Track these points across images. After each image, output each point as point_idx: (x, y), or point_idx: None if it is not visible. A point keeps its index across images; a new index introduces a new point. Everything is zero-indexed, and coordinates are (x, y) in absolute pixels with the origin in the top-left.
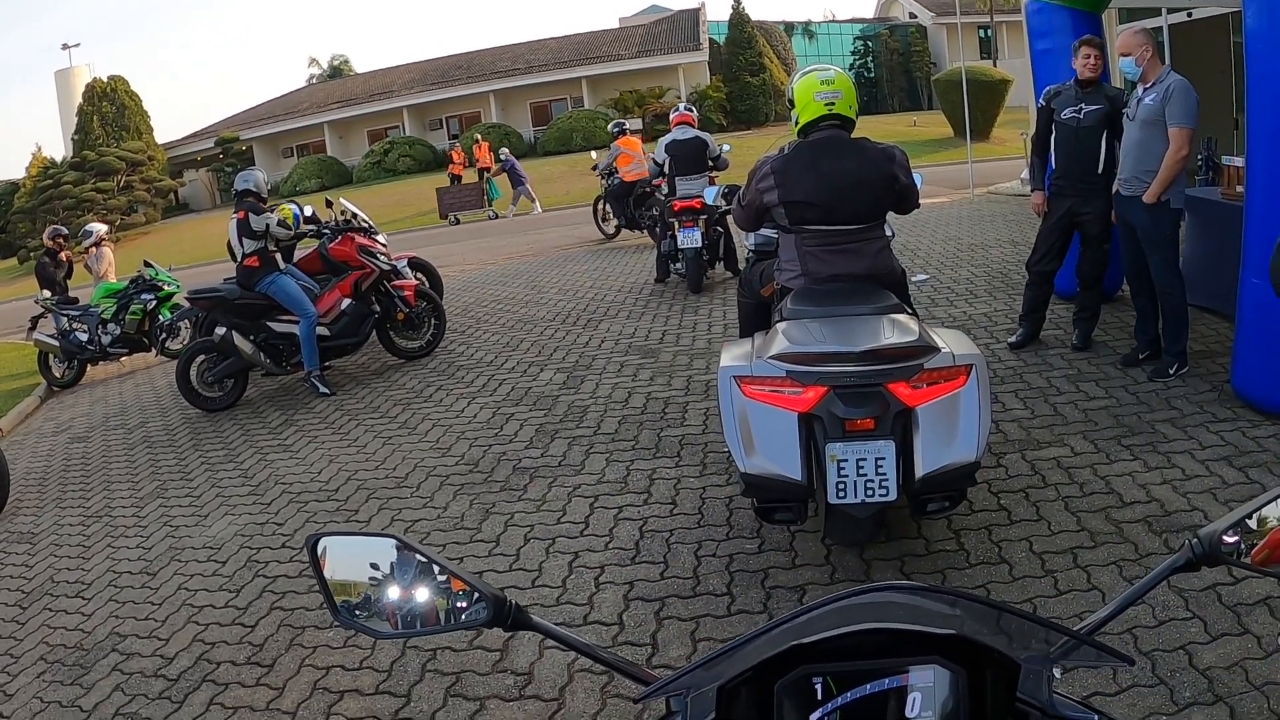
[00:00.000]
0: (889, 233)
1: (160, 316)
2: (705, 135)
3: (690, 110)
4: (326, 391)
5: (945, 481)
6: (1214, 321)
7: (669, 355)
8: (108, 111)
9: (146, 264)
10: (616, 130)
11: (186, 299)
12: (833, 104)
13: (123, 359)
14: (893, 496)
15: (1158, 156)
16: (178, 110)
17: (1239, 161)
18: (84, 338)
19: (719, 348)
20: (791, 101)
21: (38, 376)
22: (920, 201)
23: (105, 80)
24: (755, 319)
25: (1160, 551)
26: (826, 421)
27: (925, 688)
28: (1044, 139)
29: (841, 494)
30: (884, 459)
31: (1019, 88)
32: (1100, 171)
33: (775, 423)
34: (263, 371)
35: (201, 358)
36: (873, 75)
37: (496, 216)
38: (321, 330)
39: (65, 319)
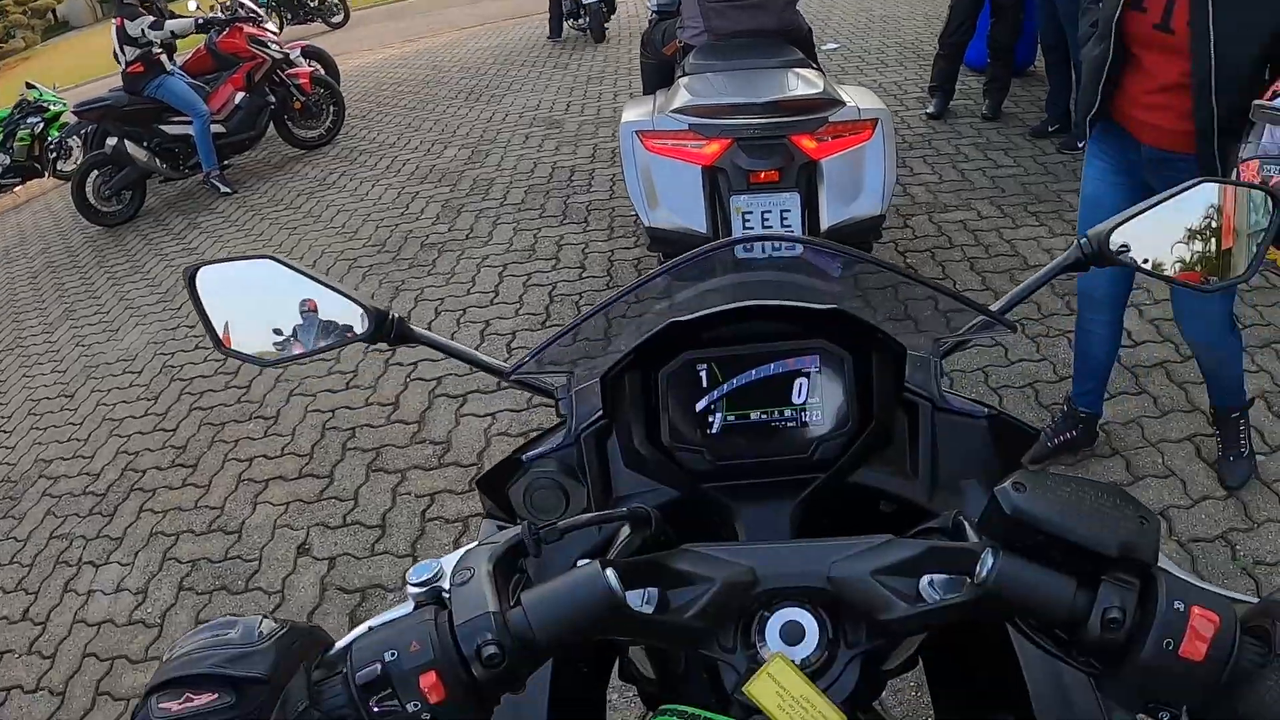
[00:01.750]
0: None
1: (49, 138)
2: None
3: None
4: (228, 190)
5: (850, 235)
6: None
7: (574, 125)
8: None
9: (29, 85)
10: None
11: (73, 113)
12: None
13: (17, 190)
14: (796, 249)
15: None
16: None
17: None
18: None
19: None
20: None
21: None
22: None
23: None
24: (658, 79)
25: (1063, 312)
26: (730, 174)
27: (811, 373)
28: None
29: (749, 248)
30: (789, 211)
31: None
32: None
33: (679, 176)
34: (160, 178)
35: (96, 172)
36: None
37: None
38: (217, 127)
39: None
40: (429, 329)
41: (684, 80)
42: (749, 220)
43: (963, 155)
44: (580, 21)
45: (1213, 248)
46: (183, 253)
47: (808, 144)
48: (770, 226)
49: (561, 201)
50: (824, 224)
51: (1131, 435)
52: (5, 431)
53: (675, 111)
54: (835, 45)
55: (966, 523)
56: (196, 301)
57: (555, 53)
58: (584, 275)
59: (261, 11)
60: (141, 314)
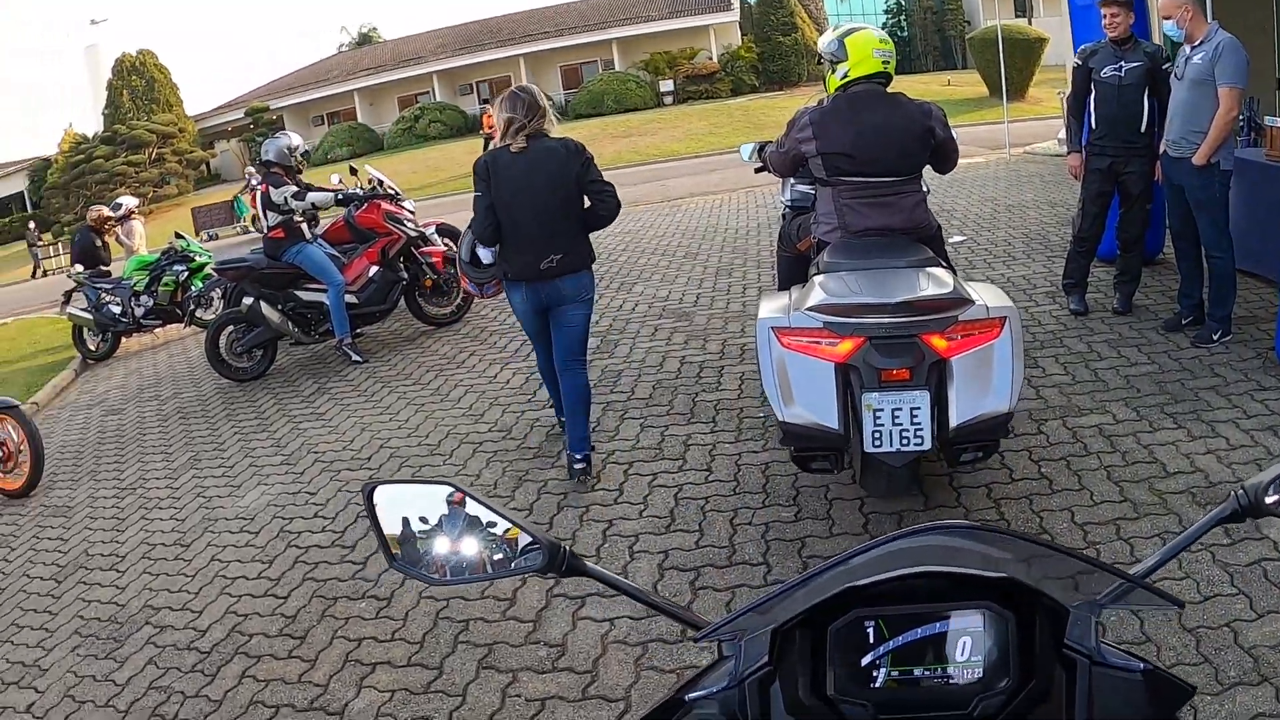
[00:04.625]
0: (924, 188)
1: (192, 287)
2: None
3: None
4: (359, 359)
5: (979, 431)
6: (1258, 286)
7: (703, 319)
8: (137, 85)
9: (178, 235)
10: None
11: (214, 269)
12: (889, 63)
13: (156, 331)
14: (927, 445)
15: (1206, 116)
16: (208, 83)
17: None
18: (117, 310)
19: (751, 311)
20: (835, 57)
21: (72, 350)
22: (958, 154)
23: (134, 54)
24: (793, 273)
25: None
26: (863, 372)
27: (975, 632)
28: (1081, 99)
29: (877, 443)
30: (919, 409)
31: (1055, 45)
32: (1143, 130)
33: (813, 373)
34: (291, 341)
35: (230, 328)
36: (906, 34)
37: (248, 231)
38: (349, 298)
39: (98, 292)
40: (550, 524)
41: (819, 278)
42: (879, 417)
43: (1095, 353)
44: None
45: None
46: (310, 416)
47: (938, 343)
48: (900, 424)
49: (689, 399)
50: (953, 421)
51: None
52: (118, 571)
53: (810, 309)
54: (962, 238)
55: None
56: (372, 515)
57: (685, 243)
58: (710, 479)
59: (400, 190)
60: (264, 474)
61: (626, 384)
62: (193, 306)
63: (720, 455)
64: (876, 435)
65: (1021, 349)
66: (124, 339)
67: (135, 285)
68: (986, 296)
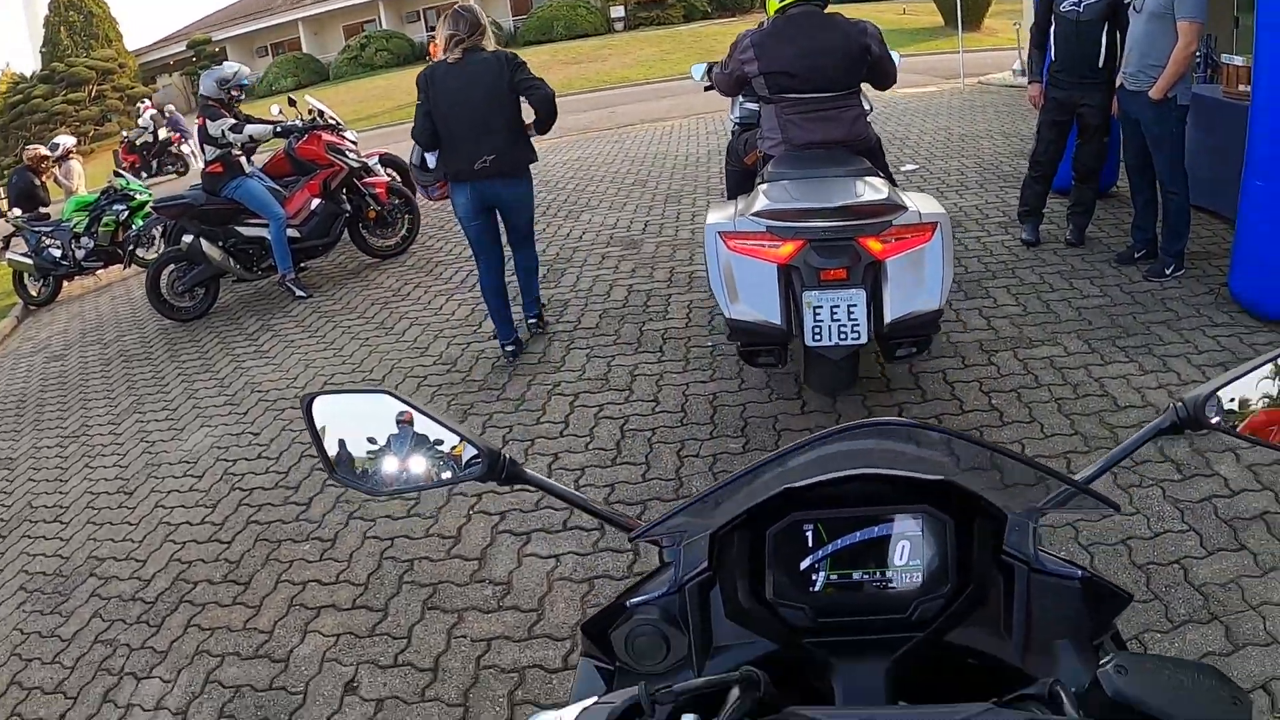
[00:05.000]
0: (865, 105)
1: (132, 227)
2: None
3: None
4: (303, 294)
5: (911, 327)
6: (1211, 222)
7: (651, 247)
8: (75, 21)
9: (117, 173)
10: None
11: (153, 207)
12: None
13: (98, 273)
14: (864, 339)
15: (1164, 51)
16: (148, 16)
17: (1239, 60)
18: (57, 253)
19: (700, 239)
20: None
21: (13, 296)
22: (898, 77)
23: None
24: (740, 186)
25: (1156, 459)
26: (803, 272)
27: (913, 536)
28: (1043, 30)
29: (817, 337)
30: (855, 305)
31: None
32: (1101, 65)
33: (757, 273)
34: (234, 278)
35: (171, 267)
36: None
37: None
38: (291, 232)
39: (37, 236)
40: None
41: (763, 187)
42: (819, 314)
43: (1047, 285)
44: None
45: None
46: (253, 354)
47: (874, 245)
48: (839, 320)
49: (636, 328)
50: (888, 317)
51: (1231, 598)
52: (62, 523)
53: (755, 215)
54: (914, 166)
55: (1063, 693)
56: (311, 427)
57: (634, 170)
58: (657, 409)
59: (341, 120)
60: (208, 415)
61: (573, 313)
62: (133, 246)
63: (667, 385)
64: (816, 330)
65: (951, 253)
66: (65, 283)
67: (75, 227)
68: (920, 204)
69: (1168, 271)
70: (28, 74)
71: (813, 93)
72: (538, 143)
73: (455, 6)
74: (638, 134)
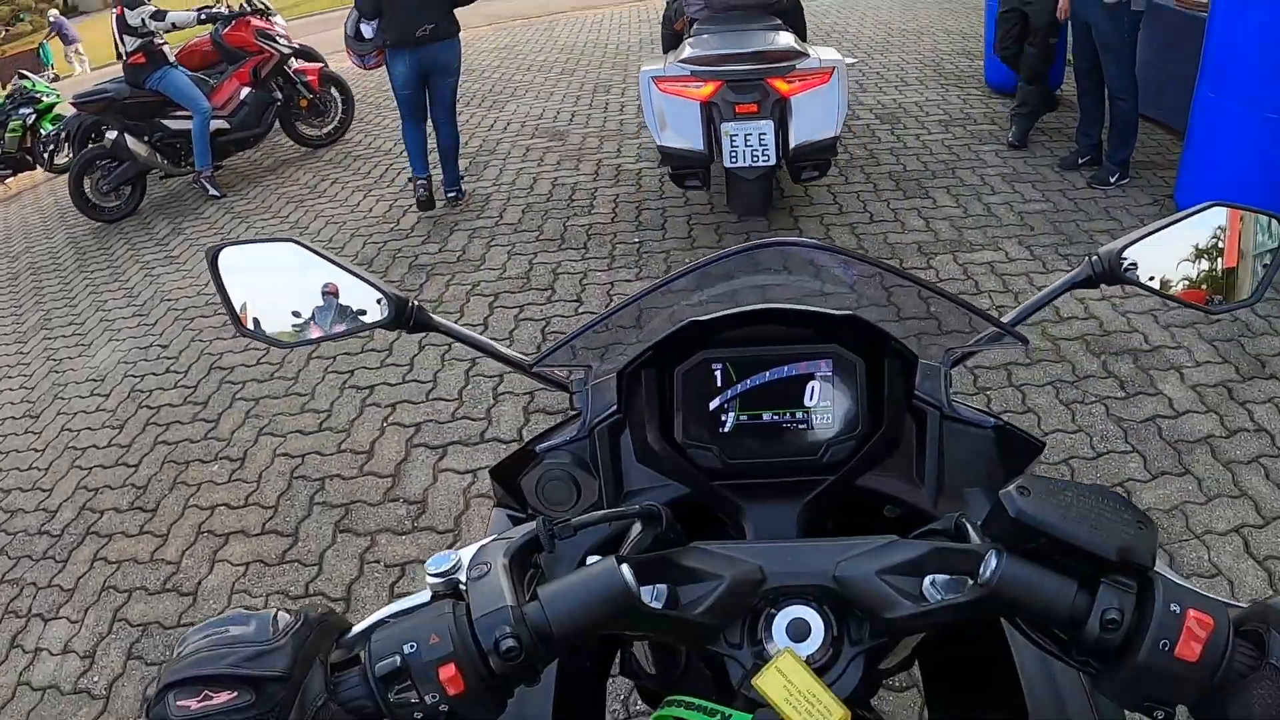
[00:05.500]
0: None
1: (42, 130)
2: None
3: None
4: (216, 194)
5: (812, 153)
6: (1157, 132)
7: (577, 138)
8: None
9: (21, 75)
10: None
11: (73, 104)
12: None
13: (8, 181)
14: (772, 161)
15: None
16: None
17: None
18: None
19: (629, 129)
20: None
21: None
22: None
23: None
24: (671, 48)
25: (1099, 374)
26: (721, 108)
27: (824, 376)
28: None
29: (734, 160)
30: (765, 134)
31: None
32: None
33: (683, 109)
34: (161, 174)
35: (95, 165)
36: None
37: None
38: (220, 123)
39: None
40: (410, 365)
41: (689, 40)
42: (735, 141)
43: (989, 187)
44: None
45: (1220, 269)
46: (164, 260)
47: (780, 85)
48: (751, 146)
49: (560, 224)
50: (792, 144)
51: (1175, 525)
52: None
53: (681, 61)
54: (854, 60)
55: (969, 524)
56: (218, 280)
57: (562, 59)
58: (580, 310)
59: (270, 6)
60: (116, 328)
61: (495, 208)
62: (49, 149)
63: (591, 285)
64: (733, 155)
65: (846, 93)
66: None
67: None
68: (821, 54)
69: (1112, 180)
70: None
71: None
72: (465, 33)
73: None
74: (568, 20)
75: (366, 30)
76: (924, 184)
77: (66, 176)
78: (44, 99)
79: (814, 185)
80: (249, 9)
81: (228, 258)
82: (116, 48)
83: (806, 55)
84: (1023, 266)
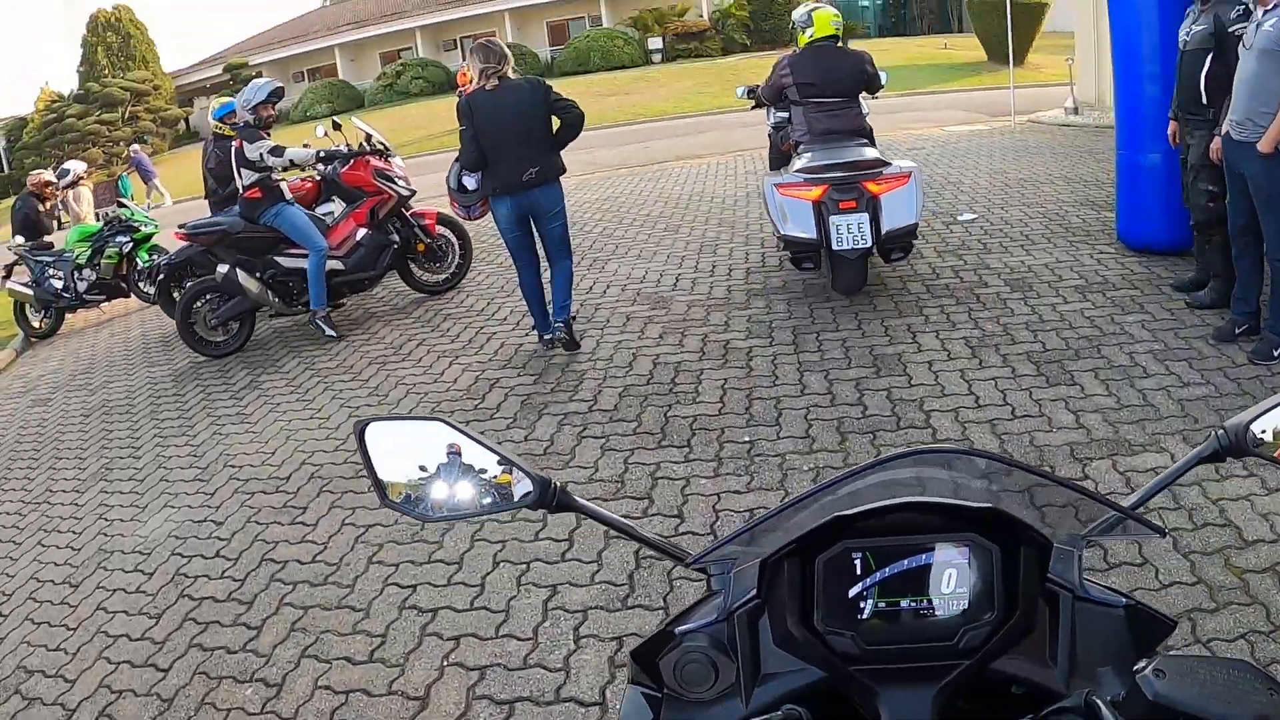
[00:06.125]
0: (864, 108)
1: (138, 259)
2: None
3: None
4: (332, 334)
5: (899, 238)
6: None
7: (682, 306)
8: (113, 42)
9: (120, 204)
10: None
11: (183, 234)
12: (839, 29)
13: (102, 306)
14: (869, 244)
15: (1276, 96)
16: (191, 40)
17: None
18: (59, 284)
19: (738, 298)
20: (805, 23)
21: (15, 327)
22: (883, 85)
23: (110, 10)
24: (778, 164)
25: None
26: (828, 205)
27: (960, 564)
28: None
29: (840, 244)
30: (863, 224)
31: (1056, 12)
32: (1205, 103)
33: (799, 207)
34: (271, 312)
35: (205, 298)
36: None
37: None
38: (335, 264)
39: (40, 266)
40: (484, 583)
41: (799, 155)
42: (840, 230)
43: (1140, 368)
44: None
45: None
46: (235, 417)
47: (872, 187)
48: (853, 234)
49: (661, 413)
50: (884, 229)
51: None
52: (2, 615)
53: (797, 171)
54: (973, 216)
55: (1100, 703)
56: (364, 453)
57: (666, 213)
58: (680, 528)
59: (391, 146)
60: (174, 491)
61: (589, 389)
62: (142, 279)
63: (695, 495)
64: (839, 240)
65: (921, 190)
66: (69, 315)
67: (78, 257)
68: (901, 163)
69: (1276, 354)
70: (65, 93)
71: (829, 98)
72: (567, 180)
73: (482, 40)
74: (672, 171)
75: (469, 181)
76: (1067, 366)
77: (159, 307)
78: (141, 228)
79: (946, 373)
80: (368, 149)
81: (374, 432)
82: (206, 182)
83: (890, 164)
84: (1194, 474)
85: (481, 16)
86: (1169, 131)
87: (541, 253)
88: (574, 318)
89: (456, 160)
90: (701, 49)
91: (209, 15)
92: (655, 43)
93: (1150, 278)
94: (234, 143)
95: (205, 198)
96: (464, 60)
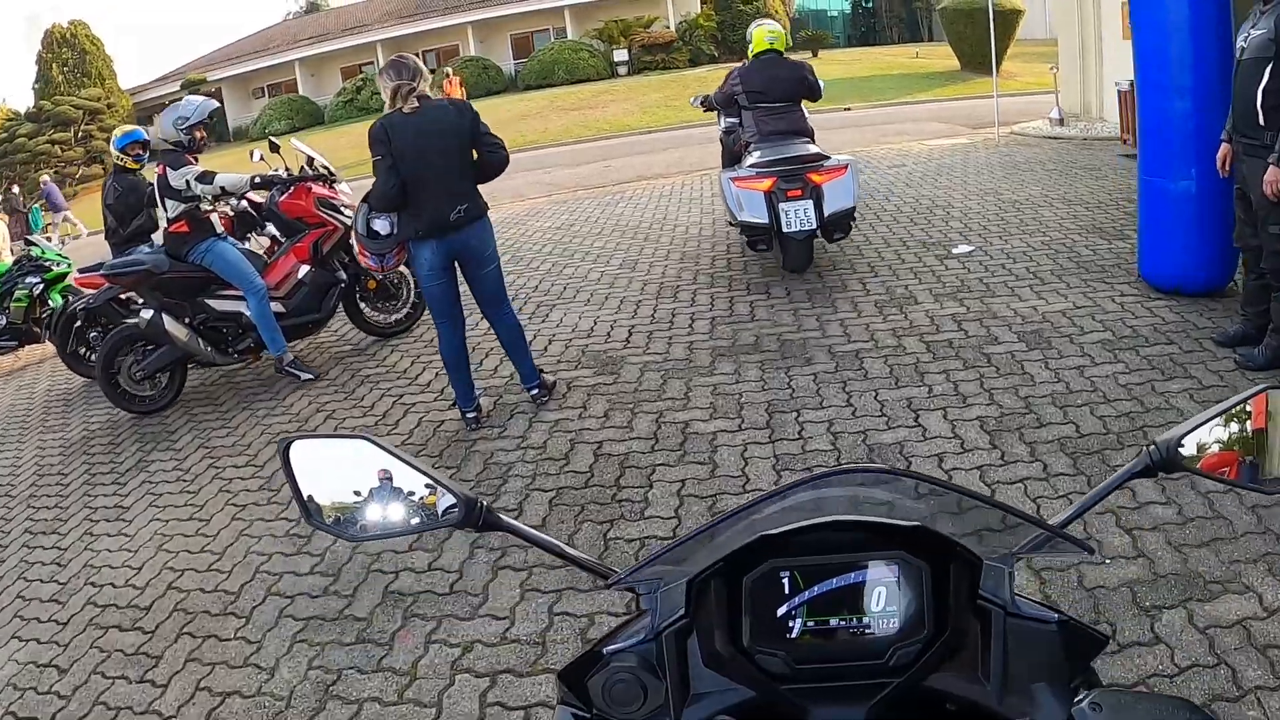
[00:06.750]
0: (804, 110)
1: (51, 301)
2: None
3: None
4: (309, 376)
5: (839, 220)
6: None
7: (634, 371)
8: (68, 59)
9: (28, 242)
10: None
11: (103, 276)
12: (775, 43)
13: (17, 353)
14: (814, 226)
15: None
16: (155, 56)
17: None
18: None
19: (701, 359)
20: (748, 40)
21: None
22: (821, 94)
23: (65, 25)
24: (731, 162)
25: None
26: (778, 194)
27: (889, 582)
28: None
29: (789, 227)
30: (808, 209)
31: (1031, 19)
32: (1263, 124)
33: (753, 196)
34: (204, 362)
35: (128, 349)
36: (870, 5)
37: (64, 241)
38: (276, 306)
39: None
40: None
41: (750, 153)
42: (788, 214)
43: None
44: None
45: (1277, 451)
46: (113, 514)
47: (815, 177)
48: (800, 217)
49: (599, 534)
50: (825, 213)
51: None
52: None
53: (750, 166)
54: (969, 248)
55: None
56: (289, 473)
57: (624, 246)
58: None
59: (335, 171)
60: (27, 617)
61: (512, 494)
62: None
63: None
64: (788, 223)
65: (857, 178)
66: None
67: None
68: (839, 156)
69: None
70: (21, 111)
71: (774, 102)
72: (520, 205)
73: (394, 57)
74: (633, 194)
75: (381, 225)
76: (1110, 459)
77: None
78: (53, 268)
79: (961, 471)
80: (310, 173)
81: (299, 451)
82: (105, 220)
83: (829, 157)
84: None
85: (444, 30)
86: (1219, 155)
87: (470, 305)
88: (543, 370)
89: (364, 200)
90: (668, 60)
91: (174, 32)
92: (621, 55)
93: (1186, 328)
94: (157, 169)
95: (106, 237)
96: (431, 73)
